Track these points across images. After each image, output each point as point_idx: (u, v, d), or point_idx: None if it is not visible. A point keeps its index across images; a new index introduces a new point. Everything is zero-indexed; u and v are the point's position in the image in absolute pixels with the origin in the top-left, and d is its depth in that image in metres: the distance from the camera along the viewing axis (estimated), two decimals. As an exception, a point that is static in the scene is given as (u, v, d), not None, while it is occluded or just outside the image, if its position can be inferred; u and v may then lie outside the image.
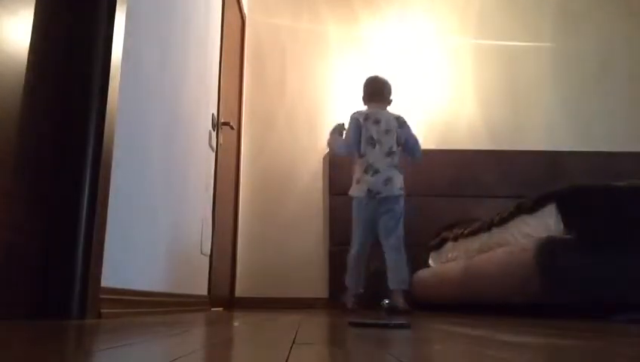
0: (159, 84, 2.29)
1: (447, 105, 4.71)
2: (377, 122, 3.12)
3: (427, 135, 4.63)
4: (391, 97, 3.28)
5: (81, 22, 1.68)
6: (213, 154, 3.43)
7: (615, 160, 4.45)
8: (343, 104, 4.64)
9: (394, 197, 3.04)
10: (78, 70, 1.65)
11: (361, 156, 3.10)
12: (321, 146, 4.60)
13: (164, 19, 2.35)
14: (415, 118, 4.64)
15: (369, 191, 3.03)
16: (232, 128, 3.89)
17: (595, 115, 4.73)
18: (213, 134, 3.40)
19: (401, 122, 3.19)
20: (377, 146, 3.08)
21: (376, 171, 3.04)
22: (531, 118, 4.71)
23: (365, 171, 3.06)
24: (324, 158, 4.58)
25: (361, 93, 3.32)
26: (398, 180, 3.08)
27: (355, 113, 3.21)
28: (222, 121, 3.61)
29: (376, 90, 3.25)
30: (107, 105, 1.65)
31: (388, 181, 3.04)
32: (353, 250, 3.14)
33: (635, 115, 4.73)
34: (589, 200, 2.22)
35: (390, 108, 3.27)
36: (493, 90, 4.75)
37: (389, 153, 3.09)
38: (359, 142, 3.10)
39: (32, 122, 1.50)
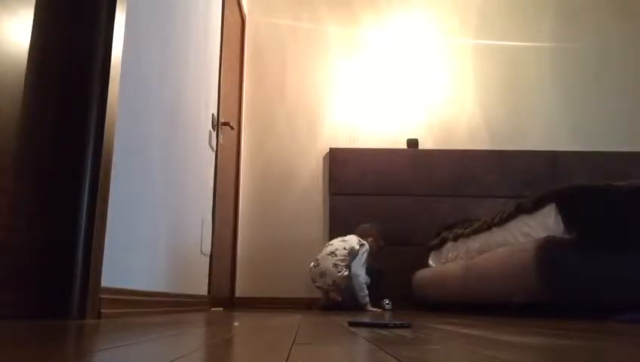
0: (159, 84, 2.29)
1: (447, 105, 4.71)
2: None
3: (427, 135, 4.64)
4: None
5: (82, 22, 1.68)
6: (213, 154, 3.43)
7: (615, 160, 4.45)
8: (343, 104, 4.65)
9: None
10: (78, 70, 1.65)
11: None
12: (321, 146, 4.60)
13: (163, 18, 2.35)
14: (415, 118, 4.66)
15: None
16: (232, 128, 3.89)
17: (595, 115, 4.73)
18: (213, 134, 3.40)
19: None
20: None
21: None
22: (531, 118, 4.71)
23: None
24: (324, 158, 4.58)
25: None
26: None
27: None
28: (222, 121, 3.61)
29: None
30: (107, 105, 1.65)
31: None
32: None
33: (635, 115, 4.73)
34: (589, 200, 2.22)
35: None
36: (493, 90, 4.75)
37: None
38: None
39: (33, 122, 1.50)
